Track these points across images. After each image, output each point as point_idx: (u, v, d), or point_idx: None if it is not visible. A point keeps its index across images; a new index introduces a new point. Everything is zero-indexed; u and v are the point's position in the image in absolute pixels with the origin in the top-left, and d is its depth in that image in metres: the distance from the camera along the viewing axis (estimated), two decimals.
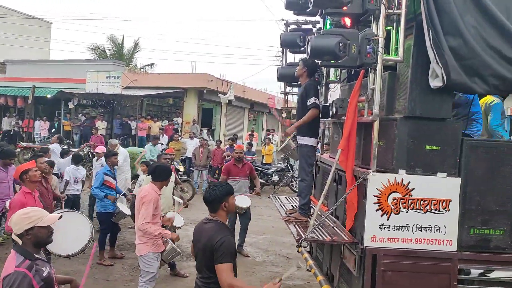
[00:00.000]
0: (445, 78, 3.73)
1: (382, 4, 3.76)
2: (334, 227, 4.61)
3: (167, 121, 22.02)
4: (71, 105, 22.66)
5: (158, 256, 5.18)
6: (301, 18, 6.09)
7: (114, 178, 7.72)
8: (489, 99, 5.37)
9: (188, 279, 6.64)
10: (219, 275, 3.15)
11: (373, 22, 3.96)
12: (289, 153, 6.24)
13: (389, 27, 3.98)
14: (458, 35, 3.72)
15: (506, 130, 5.77)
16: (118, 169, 8.67)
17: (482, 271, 3.93)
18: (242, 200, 7.51)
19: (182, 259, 7.36)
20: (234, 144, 14.71)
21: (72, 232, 4.93)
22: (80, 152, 12.78)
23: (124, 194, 7.77)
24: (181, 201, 7.32)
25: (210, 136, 21.53)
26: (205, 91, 22.26)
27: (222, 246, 3.16)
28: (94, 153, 10.63)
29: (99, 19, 62.67)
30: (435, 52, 3.73)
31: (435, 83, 3.83)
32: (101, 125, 19.86)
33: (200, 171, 14.59)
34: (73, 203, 8.16)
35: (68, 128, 21.86)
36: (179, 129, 20.89)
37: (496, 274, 3.92)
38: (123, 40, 30.35)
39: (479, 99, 5.15)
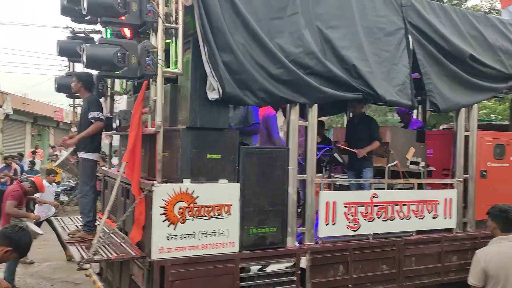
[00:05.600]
0: (220, 91, 3.99)
1: (159, 18, 3.81)
2: (122, 244, 4.43)
3: None
4: None
5: None
6: (89, 27, 5.76)
7: None
8: (266, 111, 5.97)
9: None
10: None
11: (152, 35, 3.99)
12: (67, 168, 5.79)
13: (168, 40, 4.05)
14: (230, 51, 4.04)
15: None
16: None
17: (260, 266, 4.32)
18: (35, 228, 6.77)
19: None
20: (12, 163, 12.94)
21: None
22: None
23: None
24: None
25: None
26: None
27: None
28: None
29: None
30: (211, 67, 3.96)
31: (212, 95, 4.07)
32: None
33: None
34: None
35: None
36: None
37: (272, 268, 4.37)
38: None
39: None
